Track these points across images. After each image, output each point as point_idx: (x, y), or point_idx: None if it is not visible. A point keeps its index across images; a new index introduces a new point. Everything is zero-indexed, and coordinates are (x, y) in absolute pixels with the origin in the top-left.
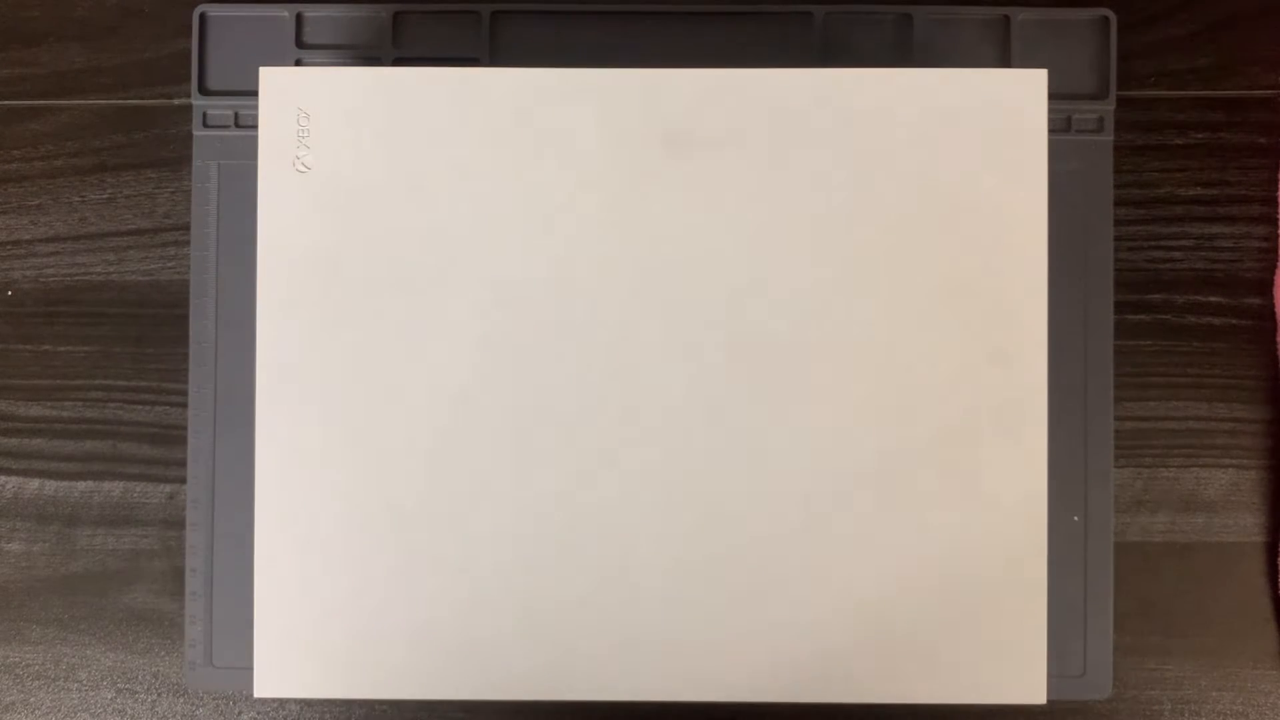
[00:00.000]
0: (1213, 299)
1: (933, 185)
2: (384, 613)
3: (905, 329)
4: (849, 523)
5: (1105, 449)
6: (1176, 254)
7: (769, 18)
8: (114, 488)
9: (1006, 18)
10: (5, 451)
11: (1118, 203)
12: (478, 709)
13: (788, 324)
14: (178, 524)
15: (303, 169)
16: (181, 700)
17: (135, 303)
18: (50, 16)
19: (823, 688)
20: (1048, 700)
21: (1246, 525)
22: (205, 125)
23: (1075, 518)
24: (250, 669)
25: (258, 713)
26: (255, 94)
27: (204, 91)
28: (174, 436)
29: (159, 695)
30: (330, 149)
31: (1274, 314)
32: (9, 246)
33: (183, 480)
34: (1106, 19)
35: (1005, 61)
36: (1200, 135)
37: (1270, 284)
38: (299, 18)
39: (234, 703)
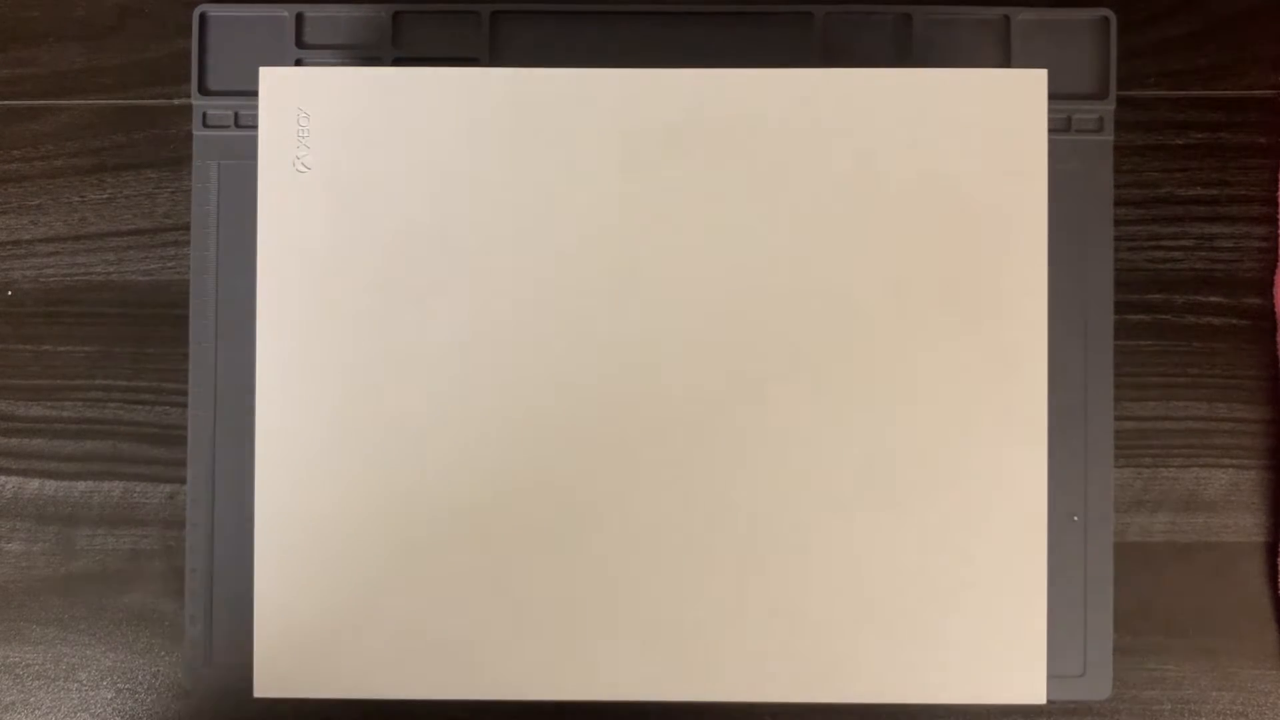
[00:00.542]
0: (1213, 299)
1: (933, 185)
2: (384, 613)
3: (905, 328)
4: (848, 522)
5: (1105, 449)
6: (1176, 254)
7: (769, 18)
8: (114, 488)
9: (1006, 18)
10: (5, 451)
11: (1118, 203)
12: (478, 709)
13: (787, 324)
14: (178, 524)
15: (303, 169)
16: (181, 700)
17: (135, 303)
18: (50, 16)
19: (822, 687)
20: (1047, 700)
21: (1246, 525)
22: (205, 125)
23: (1075, 518)
24: (250, 669)
25: (258, 713)
26: (255, 94)
27: (204, 91)
28: (174, 436)
29: (159, 695)
30: (330, 149)
31: (1274, 314)
32: (9, 246)
33: (183, 480)
34: (1106, 19)
35: (1005, 61)
36: (1200, 135)
37: (1270, 284)
38: (299, 18)
39: (234, 703)
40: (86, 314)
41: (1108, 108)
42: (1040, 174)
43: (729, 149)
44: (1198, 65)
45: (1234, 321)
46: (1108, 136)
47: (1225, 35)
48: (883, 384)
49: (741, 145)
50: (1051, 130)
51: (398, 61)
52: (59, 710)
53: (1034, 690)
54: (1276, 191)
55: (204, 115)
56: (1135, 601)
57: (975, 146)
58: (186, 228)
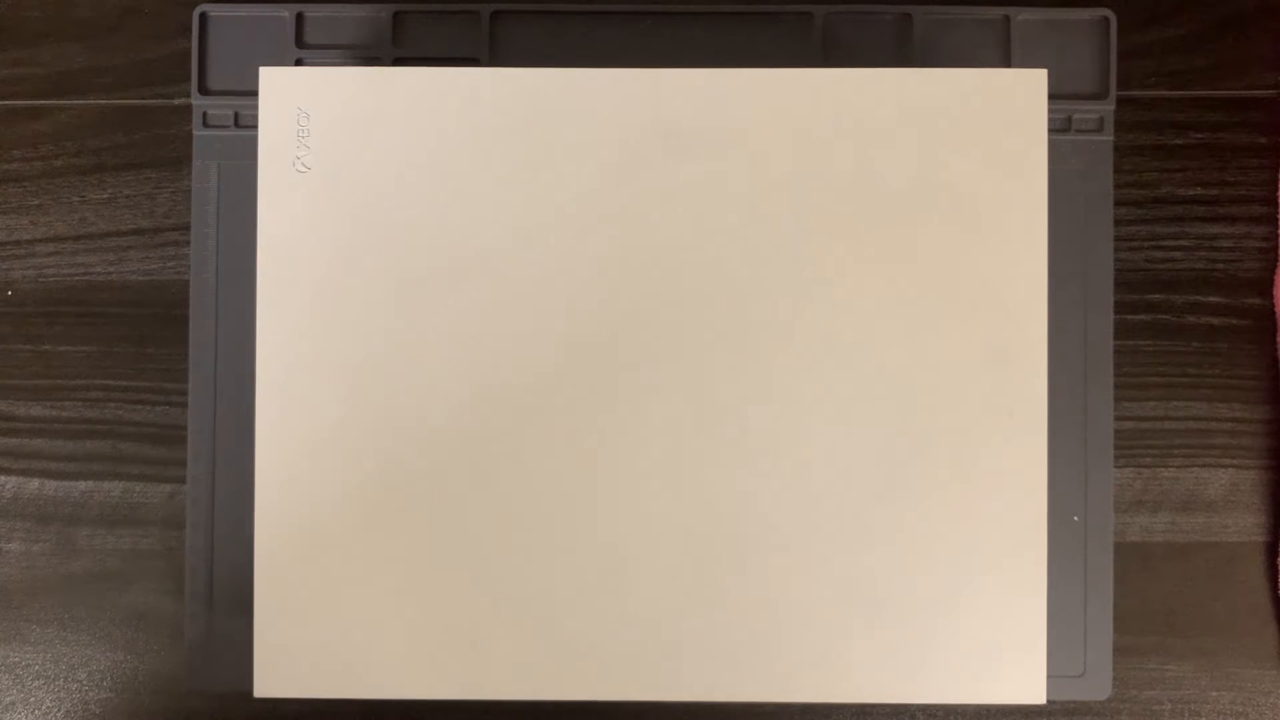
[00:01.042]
0: (1213, 299)
1: (933, 185)
2: (384, 612)
3: (905, 328)
4: (849, 522)
5: (1105, 449)
6: (1176, 254)
7: (769, 18)
8: (114, 488)
9: (1006, 18)
10: (5, 451)
11: (1118, 203)
12: (478, 709)
13: (787, 324)
14: (178, 524)
15: (303, 169)
16: (181, 700)
17: (135, 303)
18: (50, 16)
19: (822, 687)
20: (1047, 700)
21: (1246, 525)
22: (205, 125)
23: (1075, 518)
24: (250, 669)
25: (258, 713)
26: (255, 94)
27: (204, 91)
28: (174, 436)
29: (159, 695)
30: (330, 149)
31: (1274, 314)
32: (9, 246)
33: (183, 480)
34: (1106, 19)
35: (1005, 61)
36: (1200, 135)
37: (1270, 284)
38: (299, 18)
39: (234, 703)
40: (86, 314)
41: (1108, 108)
42: (1040, 174)
43: (729, 149)
44: (1198, 65)
45: (1234, 321)
46: (1108, 136)
47: (1225, 35)
48: (882, 384)
49: (741, 145)
50: (1051, 130)
51: (398, 61)
52: (59, 710)
53: (1034, 690)
54: (1276, 191)
55: (204, 115)
56: (1135, 601)
57: (975, 146)
58: (186, 228)
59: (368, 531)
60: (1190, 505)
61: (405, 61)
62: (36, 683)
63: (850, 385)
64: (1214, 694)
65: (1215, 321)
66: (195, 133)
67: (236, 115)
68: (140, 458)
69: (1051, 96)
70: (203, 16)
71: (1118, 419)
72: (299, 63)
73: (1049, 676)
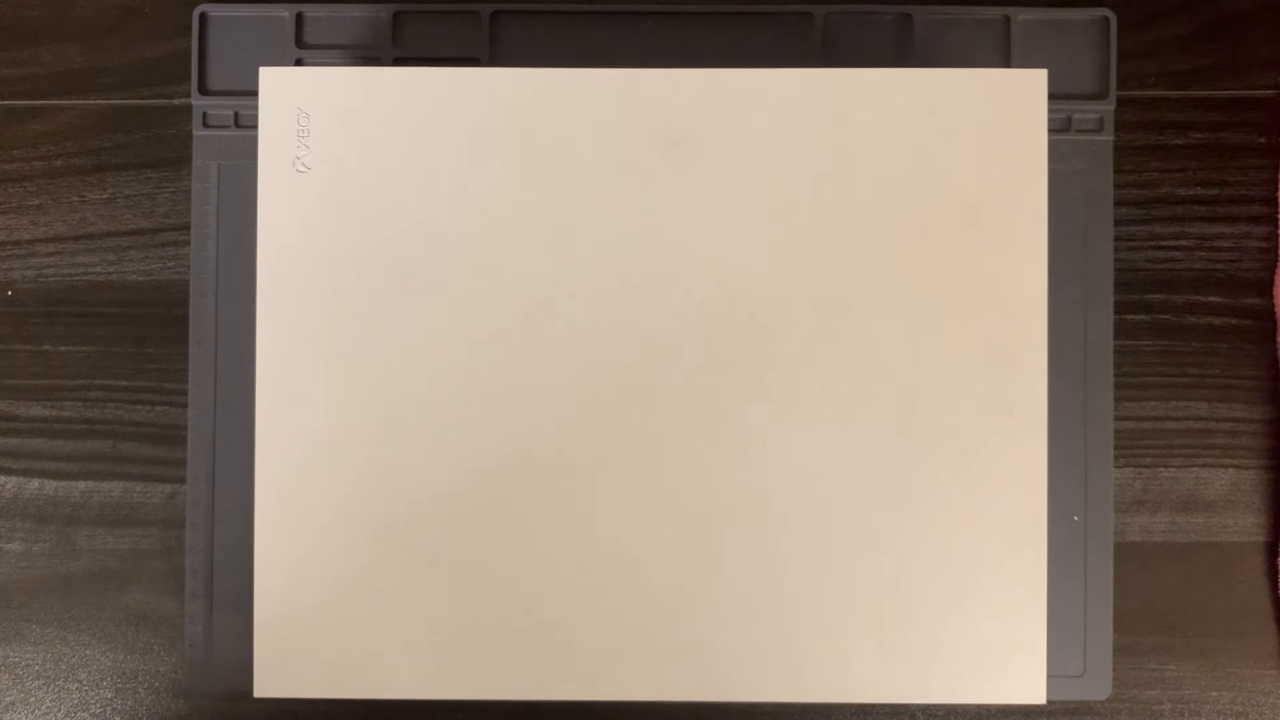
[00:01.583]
0: (1213, 299)
1: (933, 185)
2: (384, 612)
3: (905, 328)
4: (848, 523)
5: (1105, 449)
6: (1176, 254)
7: (769, 18)
8: (114, 488)
9: (1006, 18)
10: (5, 451)
11: (1118, 203)
12: (478, 709)
13: (787, 323)
14: (178, 524)
15: (303, 169)
16: (181, 700)
17: (135, 303)
18: (50, 16)
19: (822, 688)
20: (1047, 700)
21: (1246, 525)
22: (205, 125)
23: (1075, 518)
24: (250, 669)
25: (258, 713)
26: (255, 94)
27: (204, 91)
28: (174, 436)
29: (159, 695)
30: (330, 149)
31: (1274, 314)
32: (9, 246)
33: (183, 480)
34: (1106, 19)
35: (1005, 61)
36: (1200, 135)
37: (1270, 284)
38: (299, 18)
39: (234, 703)
40: (86, 314)
41: (1108, 108)
42: (1040, 174)
43: (729, 149)
44: (1198, 65)
45: (1234, 321)
46: (1108, 136)
47: (1225, 35)
48: (882, 384)
49: (741, 145)
50: (1051, 130)
51: (398, 61)
52: (59, 710)
53: (1034, 690)
54: (1276, 191)
55: (204, 115)
56: (1135, 601)
57: (975, 146)
58: (186, 228)
59: (368, 532)
60: (1190, 505)
61: (405, 61)
62: (36, 683)
63: (850, 385)
64: (1214, 694)
65: (1215, 321)
66: (195, 133)
67: (236, 115)
68: (140, 458)
69: (1051, 96)
70: (203, 16)
71: (1118, 419)
72: (299, 63)
73: (1049, 676)
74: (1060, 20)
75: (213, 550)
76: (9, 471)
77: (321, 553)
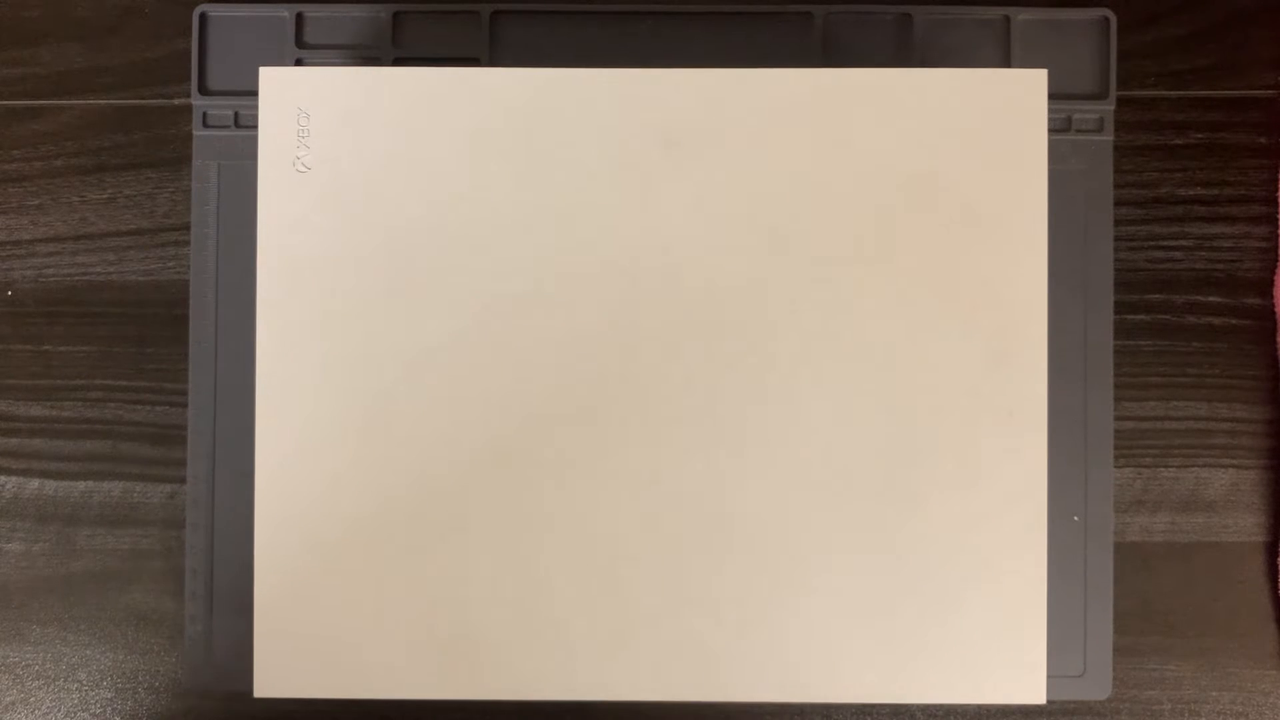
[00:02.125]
0: (1213, 299)
1: (933, 185)
2: (383, 612)
3: (905, 329)
4: (848, 522)
5: (1105, 449)
6: (1176, 254)
7: (769, 18)
8: (114, 488)
9: (1006, 18)
10: (5, 451)
11: (1118, 203)
12: (477, 709)
13: (787, 323)
14: (178, 524)
15: (303, 169)
16: (181, 700)
17: (135, 303)
18: (50, 16)
19: (822, 688)
20: (1047, 700)
21: (1246, 525)
22: (205, 125)
23: (1075, 518)
24: (250, 669)
25: (258, 713)
26: (255, 94)
27: (204, 91)
28: (174, 436)
29: (159, 695)
30: (330, 149)
31: (1274, 314)
32: (9, 246)
33: (183, 480)
34: (1106, 19)
35: (1005, 61)
36: (1200, 135)
37: (1270, 284)
38: (299, 18)
39: (234, 703)
40: (86, 314)
41: (1108, 108)
42: (1040, 174)
43: (729, 149)
44: (1198, 65)
45: (1234, 321)
46: (1108, 136)
47: (1225, 35)
48: (882, 384)
49: (741, 145)
50: (1051, 130)
51: (398, 61)
52: (59, 710)
53: (1034, 690)
54: (1276, 191)
55: (204, 115)
56: (1135, 601)
57: (975, 146)
58: (186, 228)
59: (368, 532)
60: (1190, 505)
61: (405, 61)
62: (36, 683)
63: (850, 385)
64: (1214, 694)
65: (1215, 321)
66: (195, 133)
67: (236, 115)
68: (140, 458)
69: (1051, 96)
70: (203, 16)
71: (1118, 419)
72: (299, 63)
73: (1049, 676)
74: (1060, 20)
75: (213, 550)
76: (9, 471)
77: (321, 553)
